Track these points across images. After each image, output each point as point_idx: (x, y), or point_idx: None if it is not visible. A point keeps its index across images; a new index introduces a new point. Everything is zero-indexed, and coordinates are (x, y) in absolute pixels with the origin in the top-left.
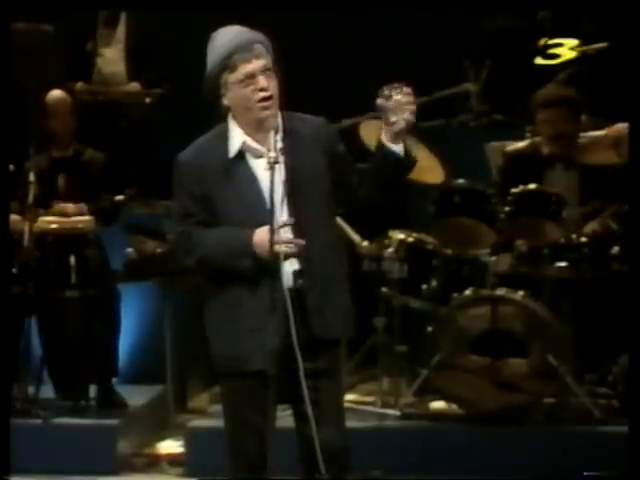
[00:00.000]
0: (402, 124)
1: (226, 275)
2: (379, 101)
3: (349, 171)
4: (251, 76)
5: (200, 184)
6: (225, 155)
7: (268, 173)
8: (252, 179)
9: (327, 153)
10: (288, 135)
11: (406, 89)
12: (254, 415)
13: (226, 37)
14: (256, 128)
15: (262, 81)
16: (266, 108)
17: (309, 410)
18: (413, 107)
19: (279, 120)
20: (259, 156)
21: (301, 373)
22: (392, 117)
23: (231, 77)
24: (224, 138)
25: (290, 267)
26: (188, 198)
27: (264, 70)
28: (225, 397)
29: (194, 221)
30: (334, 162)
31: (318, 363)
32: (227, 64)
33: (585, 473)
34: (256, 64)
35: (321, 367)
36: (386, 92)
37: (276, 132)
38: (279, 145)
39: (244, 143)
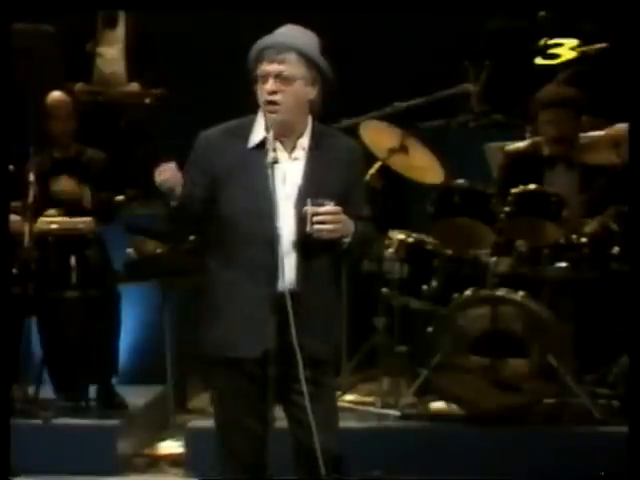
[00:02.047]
0: (320, 235)
1: (226, 262)
2: (305, 208)
3: (353, 206)
4: (265, 76)
5: (213, 164)
6: (245, 144)
7: (283, 169)
8: (264, 173)
9: (347, 177)
10: (314, 143)
11: (328, 208)
12: (242, 413)
13: (278, 31)
14: (269, 126)
15: (270, 85)
16: (270, 111)
17: (310, 414)
18: (330, 227)
19: (308, 127)
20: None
21: (301, 375)
22: (309, 227)
23: (258, 69)
24: (249, 128)
25: (290, 270)
26: (197, 171)
27: (279, 75)
28: (214, 394)
29: (195, 189)
30: (349, 188)
31: (305, 371)
32: (259, 56)
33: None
34: (274, 67)
35: (309, 376)
36: (313, 205)
37: (298, 137)
38: (305, 149)
39: (265, 138)
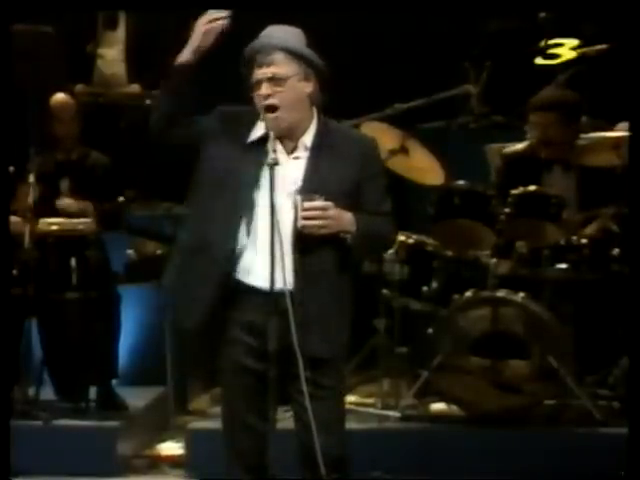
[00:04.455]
0: (310, 230)
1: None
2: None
3: (367, 202)
4: (258, 82)
5: (215, 140)
6: (247, 137)
7: (282, 169)
8: (260, 173)
9: (358, 173)
10: (318, 141)
11: (316, 203)
12: (246, 412)
13: (262, 34)
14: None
15: (264, 89)
16: (270, 115)
17: (310, 414)
18: (318, 222)
19: (313, 125)
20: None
21: (301, 374)
22: (298, 223)
23: (251, 76)
24: (255, 119)
25: (290, 269)
26: (203, 122)
27: (271, 78)
28: (222, 393)
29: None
30: (359, 184)
31: (306, 372)
32: (248, 62)
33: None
34: (265, 71)
35: (310, 376)
36: (303, 201)
37: (297, 135)
38: (307, 147)
39: (265, 136)
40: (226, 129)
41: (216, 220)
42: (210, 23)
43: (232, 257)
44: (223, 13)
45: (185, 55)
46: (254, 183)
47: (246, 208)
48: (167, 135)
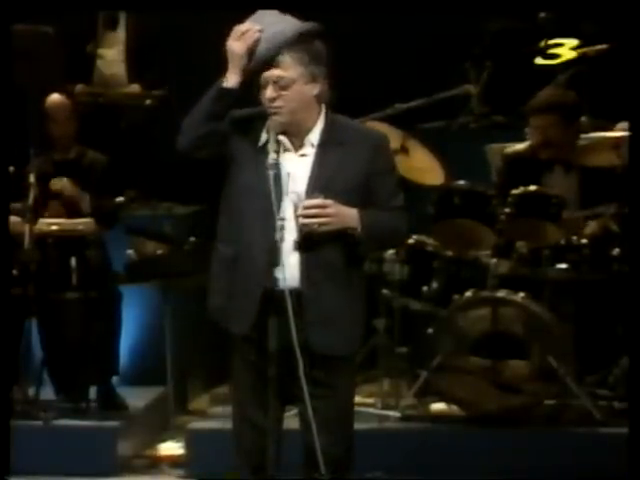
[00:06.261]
0: (311, 228)
1: (232, 260)
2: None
3: (377, 197)
4: (265, 83)
5: (235, 145)
6: (258, 140)
7: (288, 167)
8: (267, 173)
9: (368, 169)
10: (326, 138)
11: (315, 201)
12: (258, 412)
13: (271, 30)
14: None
15: (270, 91)
16: (274, 115)
17: (310, 413)
18: (318, 220)
19: (320, 122)
20: (287, 150)
21: (301, 373)
22: (300, 221)
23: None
24: (264, 123)
25: (295, 267)
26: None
27: (276, 81)
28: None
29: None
30: (369, 180)
31: (315, 370)
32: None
33: None
34: (271, 73)
35: (318, 375)
36: (303, 198)
37: (303, 133)
38: (314, 144)
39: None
40: (240, 135)
41: (248, 229)
42: (242, 40)
43: (271, 268)
44: (248, 25)
45: (231, 80)
46: (267, 186)
47: (265, 212)
48: (200, 153)
